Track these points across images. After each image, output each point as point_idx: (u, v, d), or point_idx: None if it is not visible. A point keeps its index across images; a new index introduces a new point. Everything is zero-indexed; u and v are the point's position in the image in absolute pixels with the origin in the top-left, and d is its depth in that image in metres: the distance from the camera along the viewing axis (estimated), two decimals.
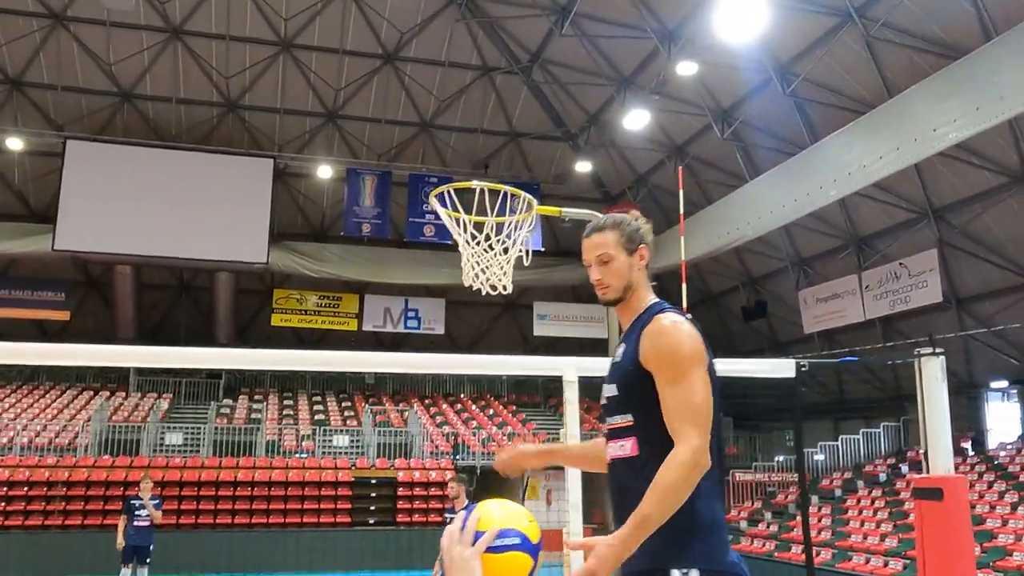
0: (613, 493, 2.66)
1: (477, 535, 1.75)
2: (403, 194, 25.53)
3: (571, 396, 3.40)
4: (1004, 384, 19.76)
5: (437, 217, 25.37)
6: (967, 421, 19.71)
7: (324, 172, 25.50)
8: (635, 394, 2.61)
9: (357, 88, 24.89)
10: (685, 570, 2.41)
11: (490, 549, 1.75)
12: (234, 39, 23.52)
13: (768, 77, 18.56)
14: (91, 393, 24.60)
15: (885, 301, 19.76)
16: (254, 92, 24.92)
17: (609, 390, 2.71)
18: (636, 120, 21.04)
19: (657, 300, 2.77)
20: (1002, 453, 18.27)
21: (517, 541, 1.81)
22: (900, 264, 19.32)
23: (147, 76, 24.14)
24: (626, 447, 2.62)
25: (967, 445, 19.30)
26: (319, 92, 25.00)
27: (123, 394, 24.73)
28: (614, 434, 2.67)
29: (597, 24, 20.68)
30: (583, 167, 25.53)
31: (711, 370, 2.60)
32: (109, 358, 4.43)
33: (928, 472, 3.52)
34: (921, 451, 3.57)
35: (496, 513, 1.82)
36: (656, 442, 2.52)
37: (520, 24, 22.88)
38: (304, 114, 25.62)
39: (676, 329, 2.60)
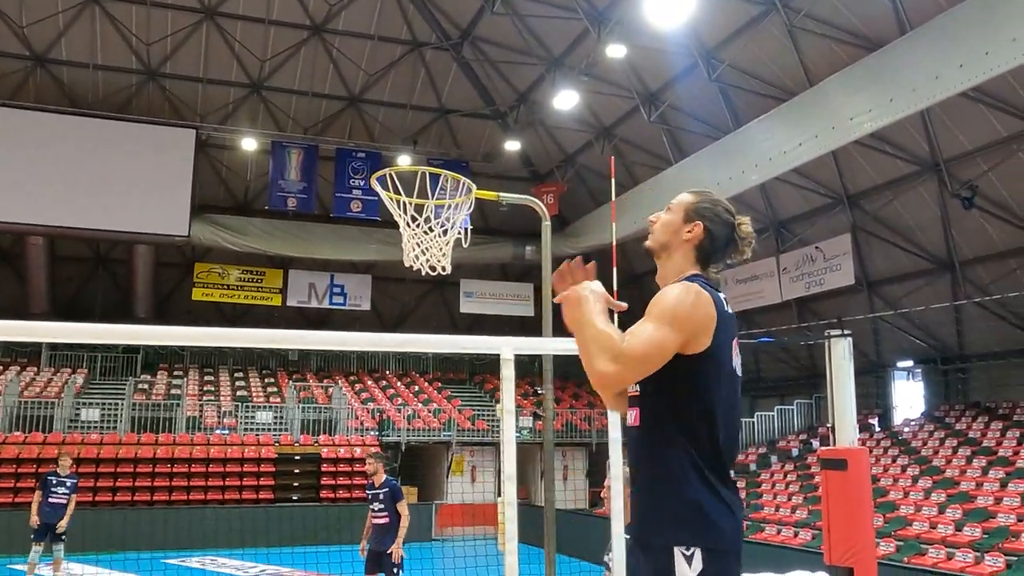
0: (629, 458, 2.71)
1: None
2: (330, 168, 25.23)
3: (508, 373, 3.52)
4: (910, 364, 20.70)
5: (364, 193, 25.26)
6: (874, 399, 20.62)
7: (248, 144, 25.01)
8: None
9: (283, 59, 24.45)
10: (687, 552, 2.41)
11: None
12: (155, 5, 22.80)
13: (694, 62, 18.93)
14: (0, 368, 23.77)
15: (801, 283, 20.47)
16: (176, 60, 24.24)
17: None
18: (565, 100, 21.24)
19: (694, 274, 2.68)
20: (906, 429, 19.18)
21: None
22: (816, 248, 20.02)
23: (62, 40, 23.24)
24: (632, 416, 2.63)
25: (874, 422, 20.20)
26: (244, 62, 24.47)
27: (35, 369, 23.96)
28: (629, 402, 2.67)
29: (528, 3, 20.74)
30: (512, 146, 25.63)
31: (720, 347, 2.52)
32: (22, 333, 4.33)
33: (834, 444, 3.78)
34: (828, 425, 3.83)
35: None
36: (655, 416, 2.53)
37: (451, 0, 22.79)
38: (228, 84, 25.04)
39: (684, 289, 2.54)
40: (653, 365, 2.45)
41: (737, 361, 2.65)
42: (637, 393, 2.61)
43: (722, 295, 2.63)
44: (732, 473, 2.58)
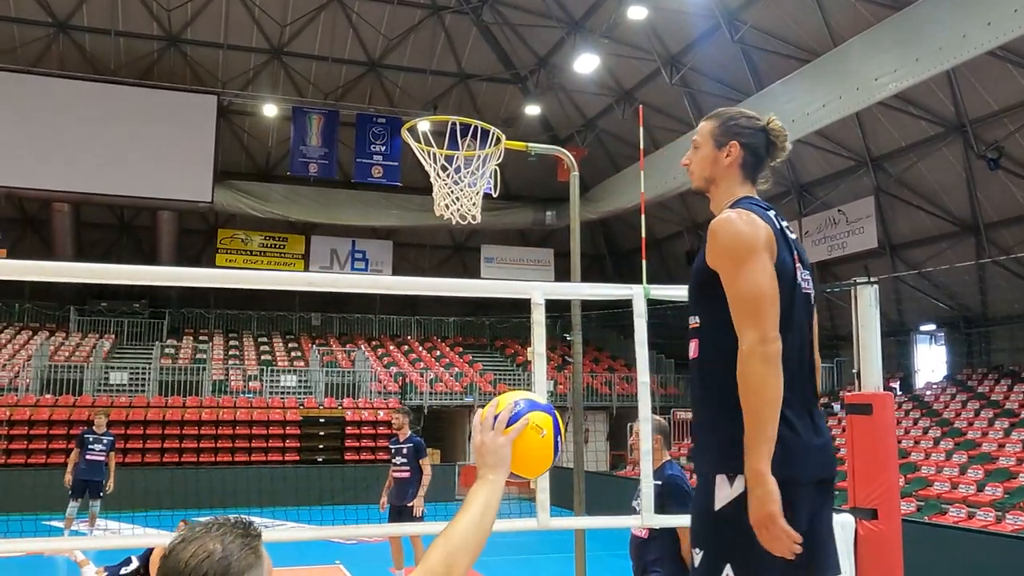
0: (691, 394, 2.67)
1: (511, 420, 1.83)
2: (350, 134, 25.28)
3: (538, 318, 3.61)
4: (932, 327, 20.64)
5: (385, 158, 25.24)
6: (896, 361, 20.59)
7: (269, 110, 25.08)
8: (698, 293, 2.57)
9: (303, 24, 24.40)
10: (731, 476, 2.39)
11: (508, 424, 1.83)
12: None
13: (716, 24, 18.75)
14: (30, 333, 24.18)
15: (823, 246, 20.38)
16: (196, 26, 24.27)
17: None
18: (586, 64, 21.11)
19: (743, 197, 2.62)
20: (928, 392, 19.19)
21: (523, 407, 1.89)
22: (838, 211, 19.92)
23: (83, 7, 23.30)
24: (692, 348, 2.59)
25: (896, 385, 20.18)
26: (264, 28, 24.45)
27: (63, 334, 24.36)
28: (688, 334, 2.61)
29: None
30: (532, 110, 25.54)
31: (783, 263, 2.47)
32: (56, 274, 4.43)
33: (860, 389, 3.85)
34: (854, 371, 3.89)
35: (505, 395, 1.94)
36: (711, 343, 2.49)
37: None
38: (248, 50, 25.05)
39: (729, 222, 2.48)
40: (772, 300, 2.37)
41: (805, 277, 2.57)
42: (697, 324, 2.56)
43: (772, 212, 2.58)
44: (810, 396, 2.50)
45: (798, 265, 2.55)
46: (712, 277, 2.49)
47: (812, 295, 2.62)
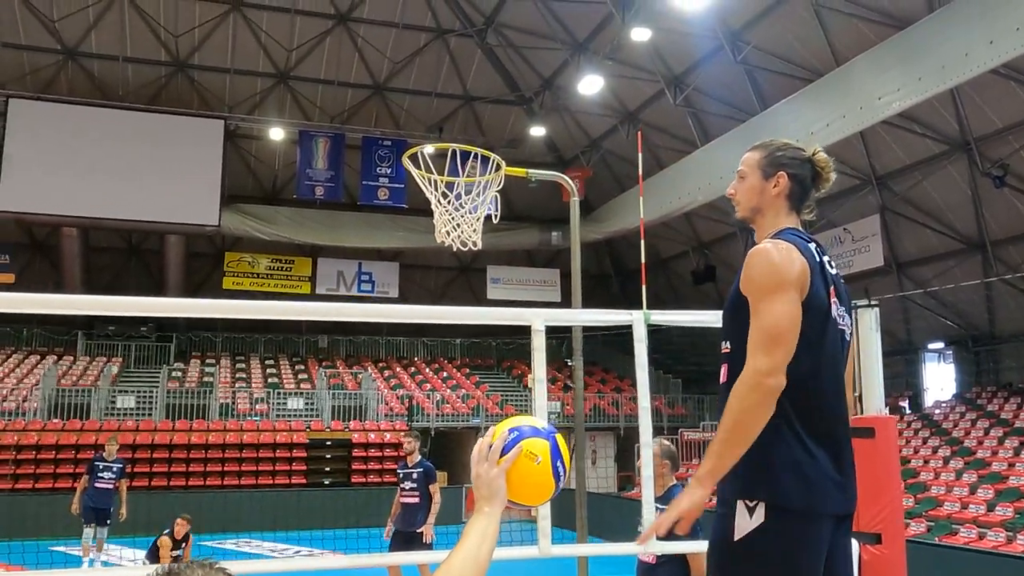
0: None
1: (505, 450, 1.82)
2: (356, 157, 25.41)
3: (539, 344, 3.62)
4: (940, 345, 20.54)
5: (391, 180, 25.34)
6: (904, 379, 20.49)
7: (276, 134, 25.26)
8: (730, 319, 2.58)
9: (309, 49, 24.62)
10: (752, 503, 2.38)
11: (501, 453, 1.81)
12: None
13: (719, 44, 18.83)
14: (37, 357, 24.25)
15: None
16: (203, 52, 24.50)
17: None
18: (590, 85, 21.20)
19: (786, 228, 2.64)
20: (937, 411, 19.07)
21: (517, 434, 1.86)
22: (844, 229, 19.89)
23: (92, 34, 23.56)
24: (722, 372, 2.60)
25: (904, 404, 20.08)
26: (270, 52, 24.67)
27: (71, 358, 24.41)
28: (720, 359, 2.62)
29: None
30: (537, 132, 25.64)
31: (816, 295, 2.48)
32: (63, 306, 4.47)
33: (861, 413, 3.84)
34: (856, 394, 3.88)
35: (502, 423, 1.92)
36: (740, 369, 2.47)
37: None
38: (255, 75, 25.27)
39: (765, 252, 2.50)
40: (790, 336, 2.39)
41: (840, 313, 2.57)
42: (728, 350, 2.57)
43: (812, 245, 2.59)
44: (838, 430, 2.50)
45: (834, 300, 2.56)
46: (744, 303, 2.52)
47: (848, 333, 2.61)
